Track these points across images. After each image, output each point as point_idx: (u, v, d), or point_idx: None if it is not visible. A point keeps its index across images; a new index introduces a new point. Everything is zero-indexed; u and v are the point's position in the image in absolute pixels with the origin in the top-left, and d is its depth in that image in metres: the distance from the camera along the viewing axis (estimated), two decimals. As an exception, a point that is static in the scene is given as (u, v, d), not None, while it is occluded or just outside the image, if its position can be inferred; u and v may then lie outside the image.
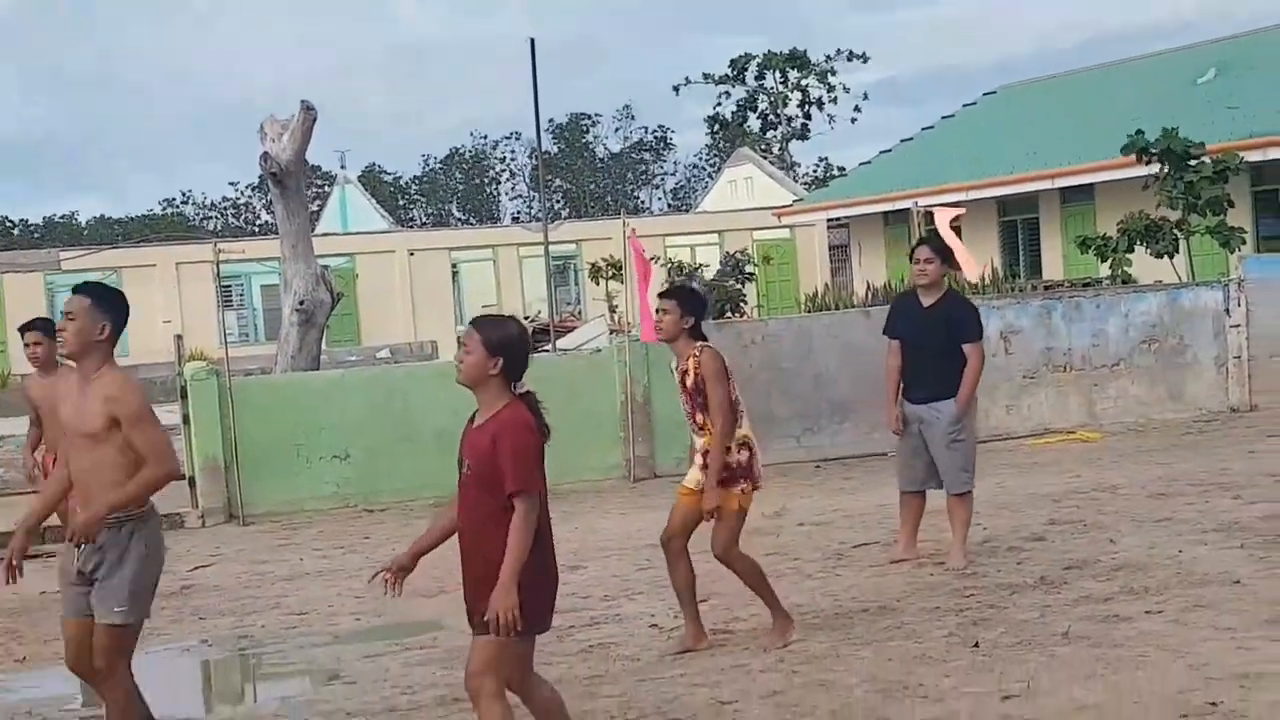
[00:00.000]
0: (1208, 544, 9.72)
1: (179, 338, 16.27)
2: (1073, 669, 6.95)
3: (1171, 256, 21.49)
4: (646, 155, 77.07)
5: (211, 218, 77.28)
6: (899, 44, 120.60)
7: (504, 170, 77.45)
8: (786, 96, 69.47)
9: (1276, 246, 26.72)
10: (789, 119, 69.42)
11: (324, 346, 19.28)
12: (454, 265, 41.97)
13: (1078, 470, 13.94)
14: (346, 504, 14.96)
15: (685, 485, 7.96)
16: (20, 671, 9.04)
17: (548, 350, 23.94)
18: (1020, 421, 16.99)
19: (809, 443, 16.17)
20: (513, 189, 77.40)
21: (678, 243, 40.40)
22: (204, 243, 45.75)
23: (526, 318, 32.06)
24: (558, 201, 70.79)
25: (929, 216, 18.57)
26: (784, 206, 42.28)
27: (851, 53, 69.13)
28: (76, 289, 6.47)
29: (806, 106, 69.61)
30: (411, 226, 61.07)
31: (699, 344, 7.77)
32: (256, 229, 67.54)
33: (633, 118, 78.82)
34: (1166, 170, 21.49)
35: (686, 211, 59.92)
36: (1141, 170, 22.80)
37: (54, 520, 10.56)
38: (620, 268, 26.20)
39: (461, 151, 76.83)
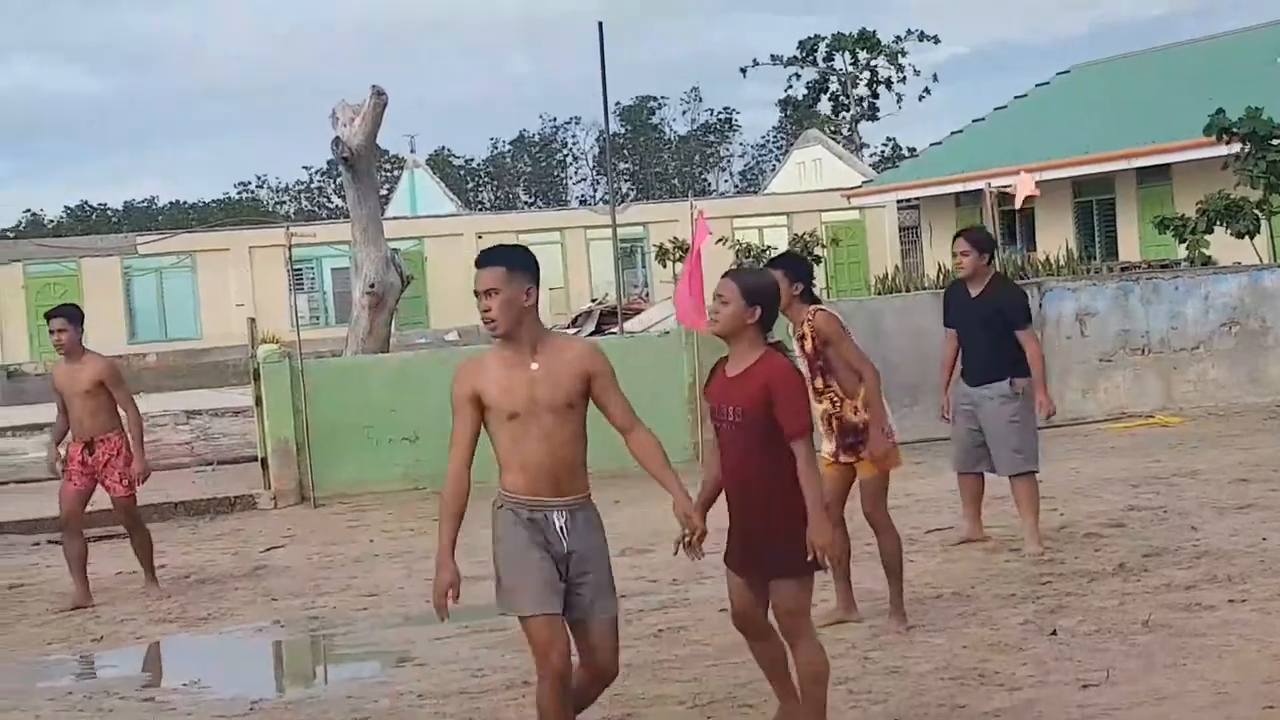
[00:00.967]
0: (1291, 531, 9.53)
1: (252, 321, 16.34)
2: (1153, 658, 6.82)
3: (1252, 237, 21.13)
4: (713, 137, 76.82)
5: (284, 201, 77.88)
6: (970, 23, 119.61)
7: (570, 153, 77.54)
8: (856, 77, 69.06)
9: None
10: (859, 99, 69.02)
11: (393, 329, 19.33)
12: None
13: (1156, 455, 13.72)
14: (415, 486, 14.98)
15: (822, 456, 7.79)
16: (99, 651, 9.09)
17: (614, 333, 23.89)
18: (1096, 405, 16.76)
19: (905, 420, 15.97)
20: (579, 172, 77.53)
21: (745, 225, 40.20)
22: (276, 227, 46.12)
23: (593, 300, 32.02)
24: (625, 184, 70.74)
25: (1002, 197, 18.34)
26: (853, 188, 41.99)
27: (923, 33, 68.61)
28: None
29: (875, 87, 69.18)
30: (479, 210, 61.24)
31: (811, 308, 7.69)
32: (328, 212, 67.97)
33: (700, 99, 78.77)
34: (1248, 150, 21.12)
35: (754, 193, 59.71)
36: (1220, 150, 22.42)
37: (104, 503, 10.64)
38: (688, 250, 26.11)
39: (529, 135, 77.03)
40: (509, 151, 76.91)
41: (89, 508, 10.64)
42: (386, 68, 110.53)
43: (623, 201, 49.15)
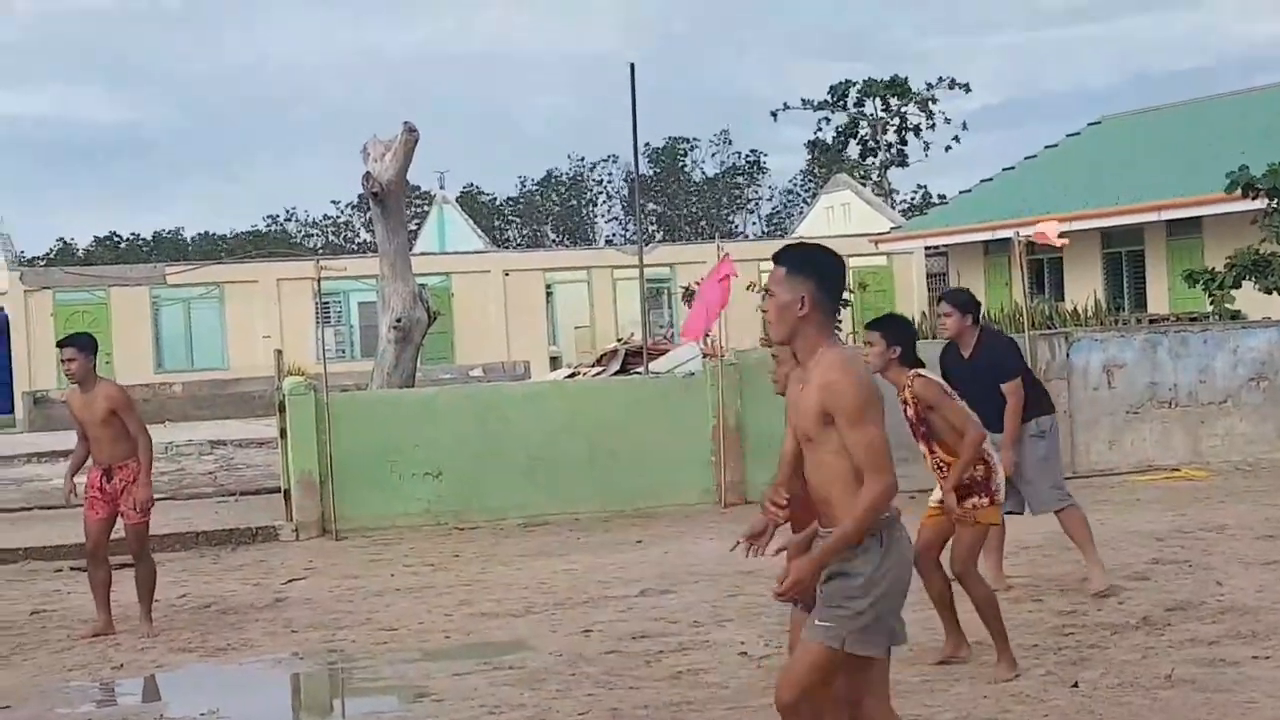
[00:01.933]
0: (1317, 588, 9.46)
1: (279, 353, 16.39)
2: (1176, 713, 6.76)
3: (1280, 292, 21.02)
4: (741, 179, 76.98)
5: (313, 235, 78.22)
6: (1002, 72, 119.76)
7: (600, 192, 77.80)
8: (886, 123, 69.14)
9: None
10: (888, 145, 69.06)
11: (418, 364, 19.35)
12: (548, 286, 42.08)
13: (1182, 509, 13.64)
14: (437, 521, 14.98)
15: (930, 505, 8.14)
16: (119, 679, 9.10)
17: (639, 372, 23.88)
18: (1122, 457, 16.68)
19: (902, 472, 15.91)
20: (608, 211, 77.79)
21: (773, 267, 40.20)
22: (304, 260, 46.31)
23: (619, 339, 31.99)
24: (652, 225, 70.88)
25: (1030, 246, 18.31)
26: (882, 233, 42.00)
27: (954, 81, 68.66)
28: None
29: (904, 133, 69.23)
30: (507, 247, 61.42)
31: (911, 372, 7.74)
32: (356, 247, 68.26)
33: (730, 142, 78.81)
34: (1273, 205, 21.05)
35: (782, 236, 59.72)
36: (1250, 204, 22.35)
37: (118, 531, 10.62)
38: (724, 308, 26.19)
39: (558, 173, 77.27)
40: (537, 190, 77.21)
41: (114, 535, 10.64)
42: (417, 103, 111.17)
43: (650, 242, 49.21)
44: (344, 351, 41.58)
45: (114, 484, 10.35)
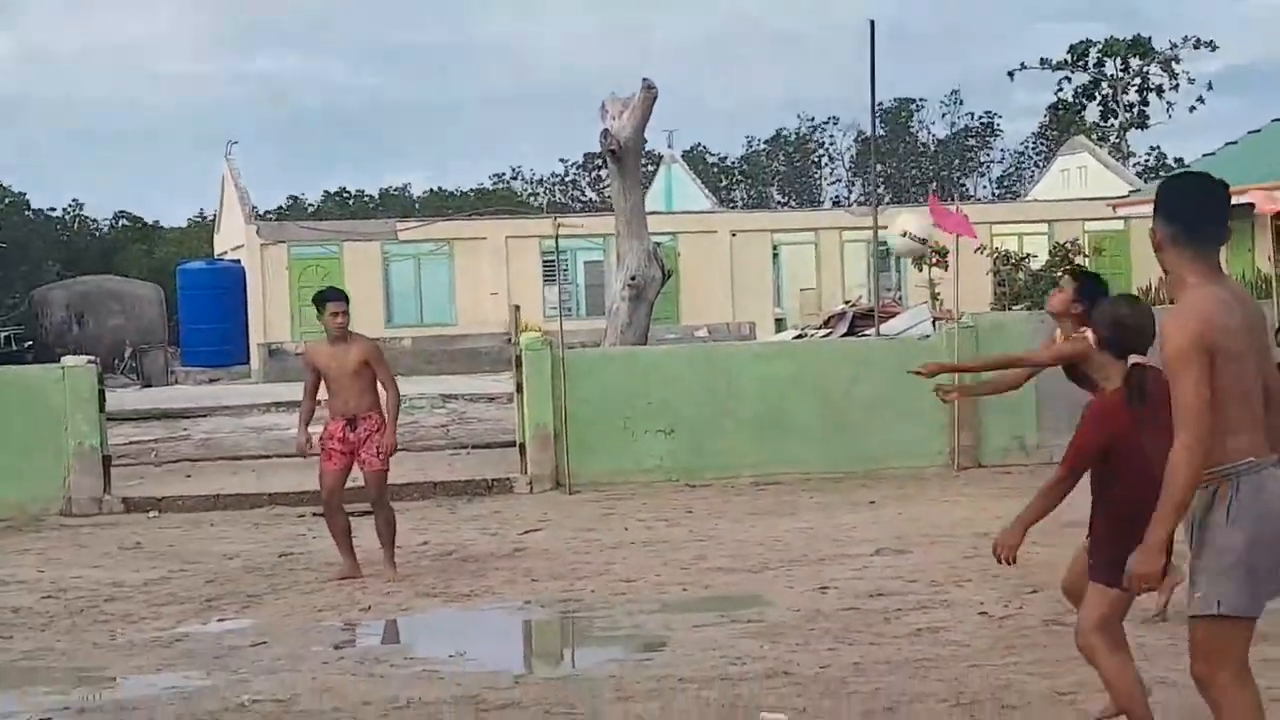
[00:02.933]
0: None
1: (516, 308, 16.74)
2: None
3: None
4: (972, 142, 75.48)
5: (538, 193, 79.11)
6: (1252, 33, 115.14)
7: (827, 154, 77.08)
8: (1127, 84, 67.08)
9: None
10: (1128, 106, 67.00)
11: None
12: (775, 247, 41.94)
13: None
14: (668, 478, 15.11)
15: None
16: (367, 620, 9.40)
17: (867, 334, 23.71)
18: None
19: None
20: (834, 173, 77.06)
21: (1005, 231, 39.37)
22: (533, 217, 46.93)
23: (847, 302, 31.77)
24: (880, 187, 70.02)
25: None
26: (1119, 197, 40.83)
27: (1199, 40, 66.22)
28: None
29: (1146, 94, 67.03)
30: (733, 207, 61.33)
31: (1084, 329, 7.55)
32: (581, 206, 68.90)
33: (960, 103, 77.30)
34: None
35: (1014, 199, 58.49)
36: None
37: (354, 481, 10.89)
38: (944, 254, 25.70)
39: (786, 134, 76.77)
40: (764, 150, 76.89)
41: (350, 483, 10.93)
42: (644, 62, 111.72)
43: (880, 204, 48.70)
44: (569, 310, 42.08)
45: (358, 434, 10.59)
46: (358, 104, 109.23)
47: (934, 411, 15.29)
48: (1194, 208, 4.69)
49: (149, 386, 34.54)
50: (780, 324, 38.36)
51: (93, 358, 15.38)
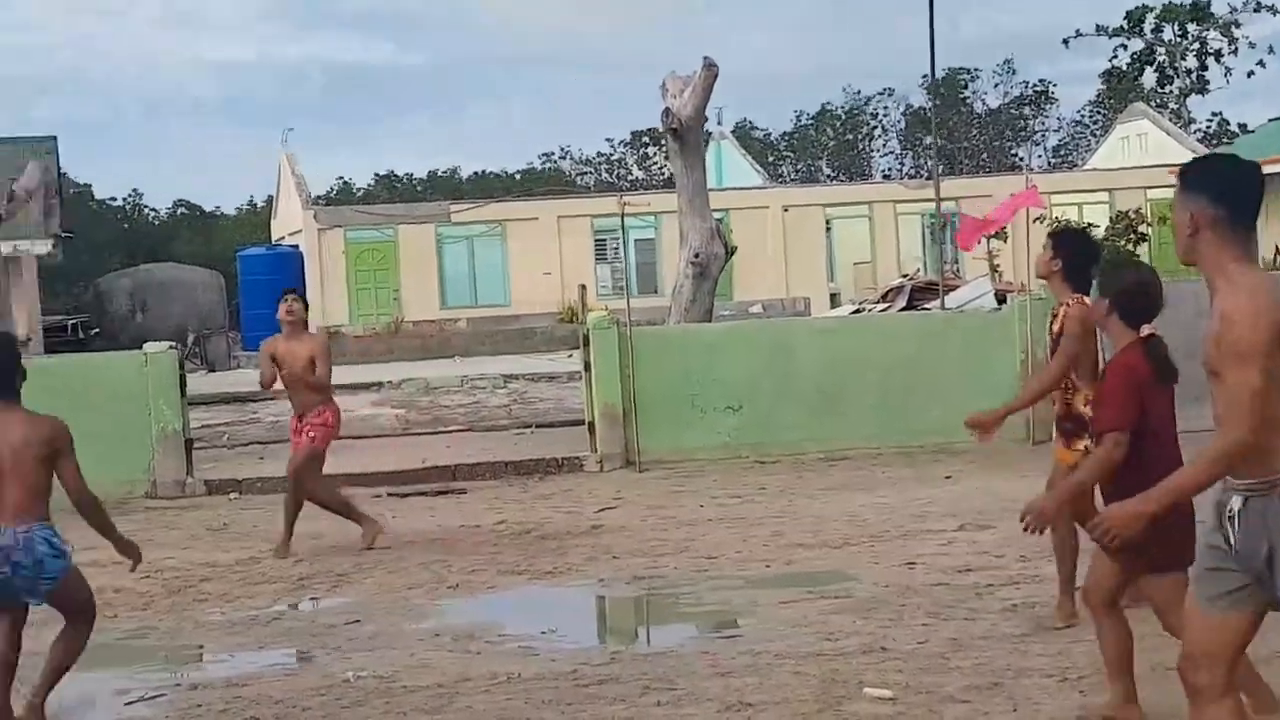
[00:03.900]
0: None
1: (583, 287, 16.91)
2: None
3: None
4: (1027, 110, 74.89)
5: (586, 173, 79.11)
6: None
7: (875, 126, 76.71)
8: (1185, 49, 66.35)
9: None
10: (1187, 72, 66.29)
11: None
12: (827, 221, 41.85)
13: None
14: (736, 455, 15.15)
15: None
16: (455, 598, 9.50)
17: (927, 308, 23.68)
18: None
19: (1192, 412, 15.44)
20: (883, 146, 76.74)
21: (1064, 201, 39.13)
22: (585, 197, 46.97)
23: (904, 275, 31.73)
24: (930, 158, 69.62)
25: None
26: (1182, 164, 40.51)
27: (1259, 3, 65.36)
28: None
29: (1205, 59, 66.26)
30: (782, 182, 61.15)
31: (1075, 295, 7.49)
32: (629, 184, 68.82)
33: (1014, 72, 76.54)
34: None
35: (1070, 169, 58.04)
36: None
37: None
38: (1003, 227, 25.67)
39: (832, 107, 76.46)
40: (811, 124, 76.58)
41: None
42: (689, 39, 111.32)
43: (931, 176, 48.48)
44: (621, 288, 42.17)
45: (304, 424, 11.23)
46: (404, 87, 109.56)
47: (1004, 385, 15.24)
48: (1239, 189, 4.42)
49: (213, 371, 34.85)
50: (834, 299, 38.31)
51: (173, 343, 15.59)
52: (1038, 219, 25.74)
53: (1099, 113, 71.63)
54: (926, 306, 24.17)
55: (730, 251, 18.52)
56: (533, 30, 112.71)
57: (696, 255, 17.82)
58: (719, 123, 53.90)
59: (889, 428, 15.28)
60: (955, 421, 15.09)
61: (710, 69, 17.72)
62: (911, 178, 53.44)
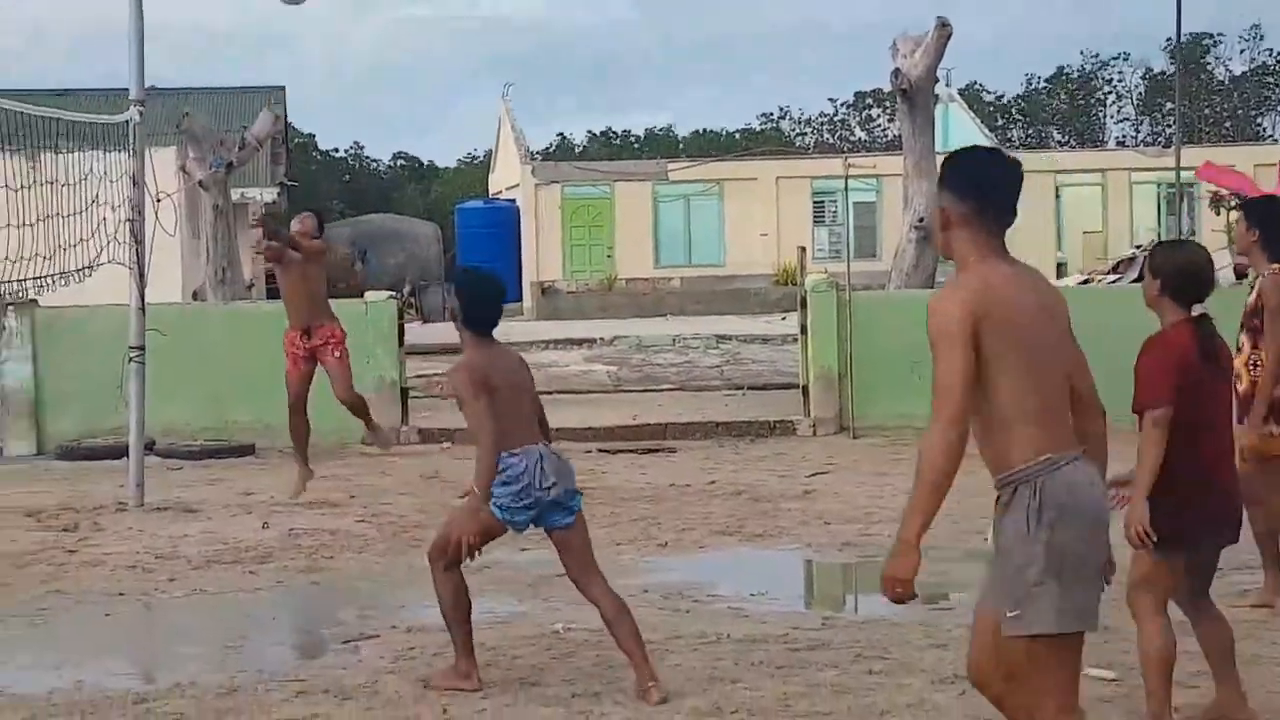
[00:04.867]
0: None
1: (802, 250, 16.63)
2: None
3: None
4: (1273, 79, 71.82)
5: (806, 133, 78.50)
6: None
7: (1110, 92, 74.49)
8: None
9: None
10: None
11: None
12: (1057, 189, 40.73)
13: None
14: (955, 425, 14.79)
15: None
16: (664, 556, 9.45)
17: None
18: None
19: None
20: (1118, 112, 74.49)
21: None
22: (805, 158, 46.55)
23: (1137, 246, 30.72)
24: (1169, 126, 67.37)
25: None
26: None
27: None
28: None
29: None
30: (1010, 147, 59.83)
31: (1272, 266, 7.19)
32: (849, 146, 68.07)
33: (1262, 38, 73.45)
34: None
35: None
36: None
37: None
38: (1244, 198, 24.65)
39: (1068, 71, 74.38)
40: (1044, 88, 74.67)
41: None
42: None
43: (1169, 144, 46.94)
44: (838, 251, 41.71)
45: (313, 341, 11.20)
46: (625, 43, 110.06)
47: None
48: (989, 185, 4.39)
49: (428, 322, 35.47)
50: (1061, 268, 37.31)
51: (393, 293, 15.84)
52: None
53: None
54: (1158, 279, 23.31)
55: (954, 216, 18.10)
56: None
57: (921, 220, 17.48)
58: (948, 84, 52.89)
59: (1117, 400, 14.74)
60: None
61: (944, 28, 17.32)
62: (1148, 145, 51.70)
